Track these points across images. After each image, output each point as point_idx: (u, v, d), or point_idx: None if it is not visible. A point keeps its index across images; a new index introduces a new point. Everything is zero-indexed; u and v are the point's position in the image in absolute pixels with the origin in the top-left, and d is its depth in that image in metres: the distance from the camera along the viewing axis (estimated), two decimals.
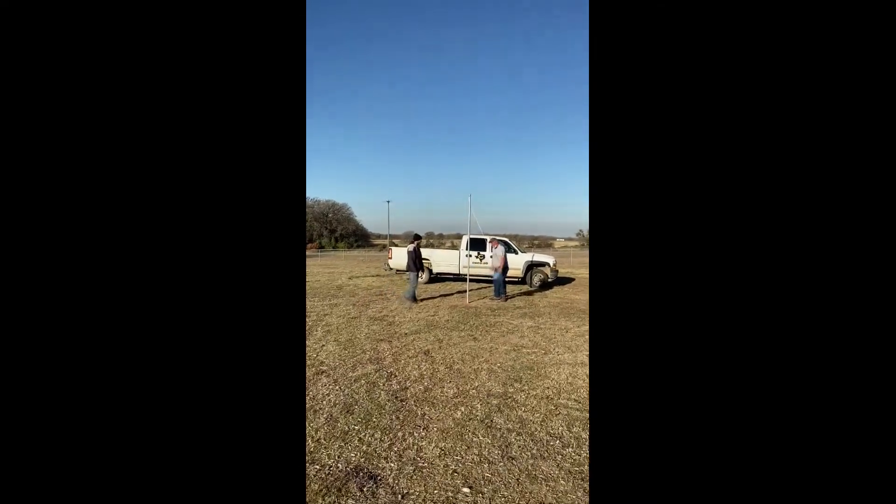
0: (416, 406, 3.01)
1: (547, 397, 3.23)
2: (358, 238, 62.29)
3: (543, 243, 79.18)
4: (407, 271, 8.27)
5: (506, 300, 8.77)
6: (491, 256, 9.10)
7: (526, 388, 3.43)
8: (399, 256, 11.66)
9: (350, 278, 12.51)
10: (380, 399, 3.11)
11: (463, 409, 2.97)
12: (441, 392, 3.30)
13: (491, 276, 11.43)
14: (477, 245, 11.20)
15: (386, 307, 7.39)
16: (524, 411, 2.95)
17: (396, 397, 3.16)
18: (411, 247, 8.21)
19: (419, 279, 11.53)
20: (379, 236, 68.70)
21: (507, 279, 11.45)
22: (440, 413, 2.89)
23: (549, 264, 11.08)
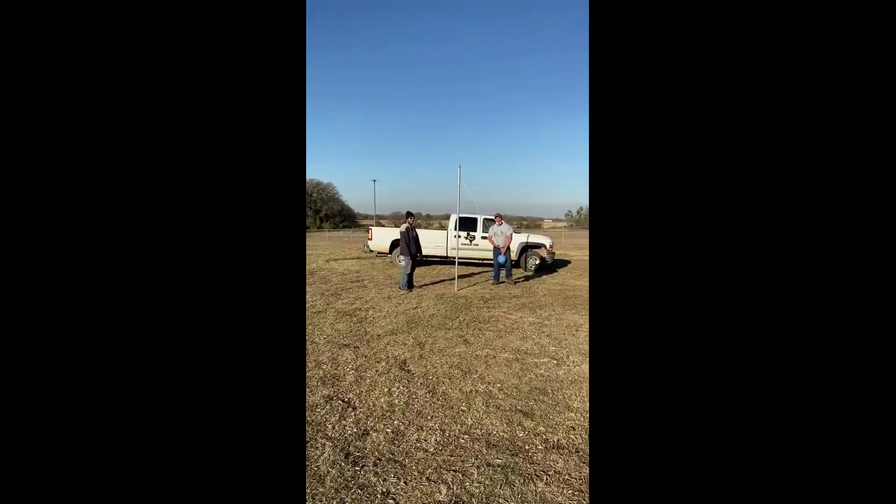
0: (375, 474, 1.91)
1: (576, 449, 2.17)
2: (344, 218, 60.73)
3: (532, 224, 78.43)
4: (400, 255, 7.06)
5: (514, 283, 7.82)
6: (494, 234, 7.92)
7: (542, 428, 2.37)
8: (380, 237, 10.46)
9: (327, 261, 11.28)
10: (320, 461, 2.01)
11: (450, 478, 1.89)
12: (417, 440, 2.21)
13: (482, 260, 10.42)
14: (466, 224, 10.05)
15: (360, 297, 6.25)
16: (546, 483, 1.88)
17: (347, 455, 2.06)
18: (404, 226, 6.99)
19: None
20: (366, 216, 67.19)
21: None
22: (412, 491, 1.81)
23: (545, 246, 10.02)
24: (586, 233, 37.30)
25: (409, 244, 6.81)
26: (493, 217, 10.33)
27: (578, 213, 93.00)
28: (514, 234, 8.62)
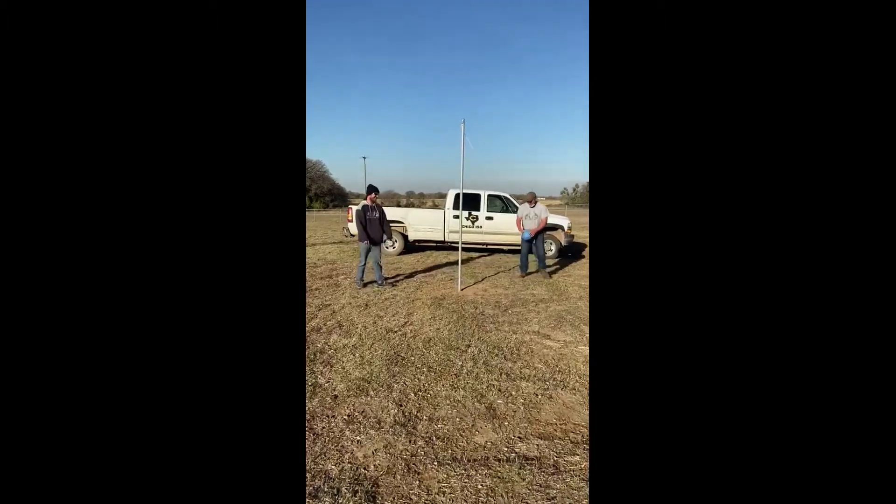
0: None
1: None
2: (334, 197, 58.37)
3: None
4: (358, 241, 5.29)
5: (549, 275, 6.26)
6: (526, 217, 6.16)
7: None
8: None
9: None
10: None
11: None
12: None
13: (487, 245, 8.62)
14: (469, 203, 8.17)
15: (327, 304, 4.40)
16: None
17: None
18: (362, 204, 5.22)
19: (392, 249, 8.50)
20: (357, 195, 64.93)
21: (507, 246, 8.59)
22: None
23: (562, 228, 8.22)
24: (587, 211, 35.65)
25: (364, 226, 5.15)
26: (499, 194, 8.48)
27: (575, 189, 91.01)
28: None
